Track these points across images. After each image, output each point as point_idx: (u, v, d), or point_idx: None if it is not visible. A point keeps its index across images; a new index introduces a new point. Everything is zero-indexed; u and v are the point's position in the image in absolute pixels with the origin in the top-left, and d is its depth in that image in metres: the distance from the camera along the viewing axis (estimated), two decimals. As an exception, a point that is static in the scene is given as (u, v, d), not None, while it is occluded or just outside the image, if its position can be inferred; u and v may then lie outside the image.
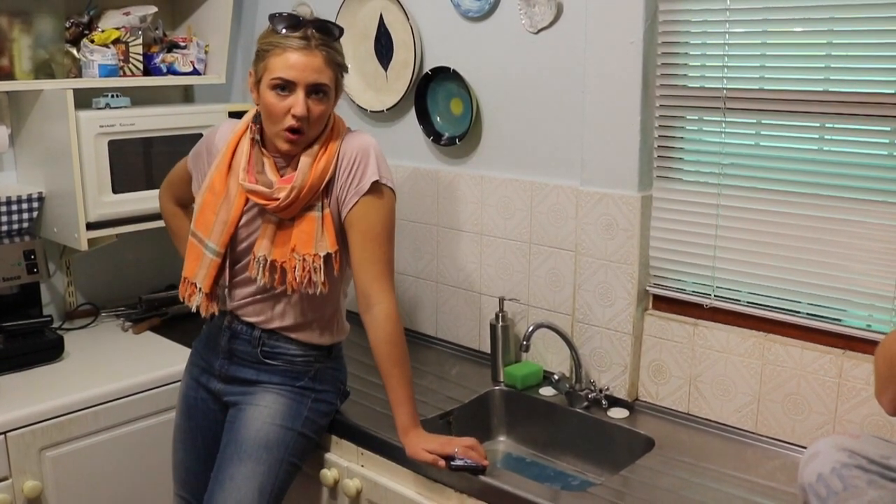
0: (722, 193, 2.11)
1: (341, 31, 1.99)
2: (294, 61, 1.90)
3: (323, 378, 2.12)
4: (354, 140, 2.02)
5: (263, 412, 2.04)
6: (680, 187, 2.18)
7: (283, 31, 1.92)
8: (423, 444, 1.96)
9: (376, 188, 1.98)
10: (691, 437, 2.14)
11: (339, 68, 1.98)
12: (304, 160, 1.97)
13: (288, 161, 2.01)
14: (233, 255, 2.06)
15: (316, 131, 1.98)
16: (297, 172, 1.96)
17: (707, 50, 2.10)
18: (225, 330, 2.11)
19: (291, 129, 1.93)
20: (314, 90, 1.92)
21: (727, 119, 2.07)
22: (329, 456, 2.22)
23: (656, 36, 2.14)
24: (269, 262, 1.98)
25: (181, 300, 2.13)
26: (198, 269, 2.06)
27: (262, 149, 2.02)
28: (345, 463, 2.18)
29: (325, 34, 1.94)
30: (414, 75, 2.62)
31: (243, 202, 2.02)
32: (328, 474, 2.19)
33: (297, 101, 1.90)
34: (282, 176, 1.99)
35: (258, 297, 2.06)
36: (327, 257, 1.98)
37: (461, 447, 1.95)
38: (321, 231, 1.97)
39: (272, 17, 1.96)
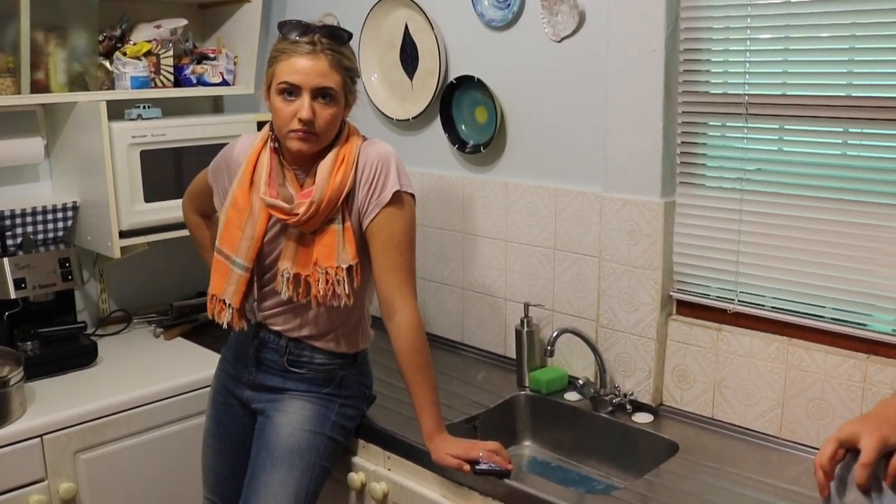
0: (745, 199, 2.11)
1: (350, 35, 2.00)
2: (299, 66, 1.91)
3: (348, 385, 2.14)
4: (372, 150, 2.03)
5: (293, 418, 2.07)
6: (703, 193, 2.19)
7: (292, 37, 1.94)
8: (447, 449, 1.98)
9: (397, 197, 2.00)
10: (715, 442, 2.14)
11: (347, 72, 1.98)
12: (322, 173, 1.97)
13: (307, 172, 2.02)
14: (259, 267, 2.08)
15: (327, 136, 1.98)
16: (315, 186, 1.97)
17: (729, 56, 2.11)
18: (253, 339, 2.13)
19: (298, 132, 1.95)
20: (320, 94, 1.93)
21: (749, 125, 2.08)
22: (356, 460, 2.25)
23: (678, 43, 2.16)
24: (293, 275, 2.00)
25: (210, 317, 2.13)
26: (226, 286, 2.07)
27: (283, 161, 2.04)
28: (371, 466, 2.21)
29: (331, 39, 1.95)
30: (439, 84, 2.65)
31: (267, 217, 2.03)
32: (355, 478, 2.22)
33: (303, 105, 1.91)
34: (302, 188, 2.01)
35: (285, 307, 2.08)
36: (349, 269, 2.00)
37: (485, 451, 1.97)
38: (342, 243, 1.98)
39: (281, 25, 1.98)
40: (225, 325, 2.10)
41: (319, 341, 2.11)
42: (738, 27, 2.07)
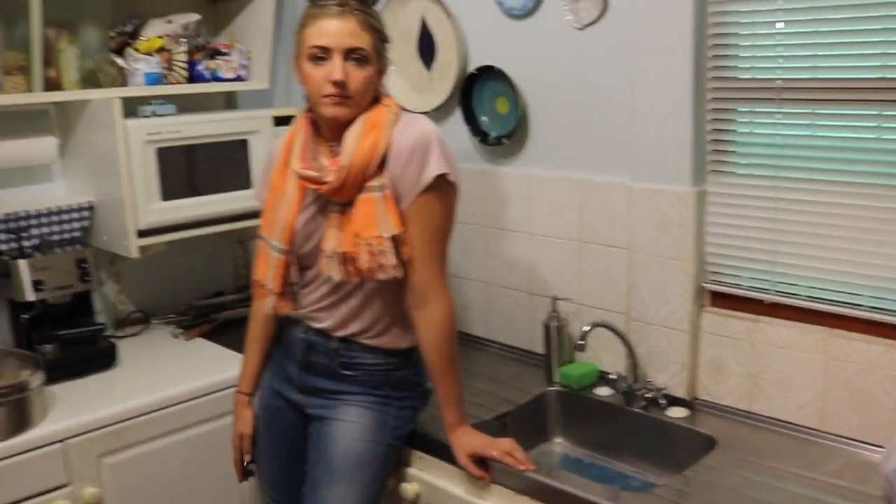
0: (779, 186, 2.07)
1: None
2: (329, 27, 1.86)
3: (402, 385, 2.07)
4: (412, 127, 1.92)
5: (351, 428, 2.00)
6: (735, 181, 2.15)
7: (320, 1, 1.90)
8: (466, 444, 1.97)
9: (439, 183, 1.90)
10: (753, 436, 2.10)
11: (377, 34, 1.92)
12: (350, 138, 1.90)
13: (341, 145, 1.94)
14: (302, 260, 2.02)
15: (361, 99, 1.91)
16: (342, 152, 1.90)
17: (759, 40, 2.06)
18: (301, 341, 2.07)
19: (332, 96, 1.89)
20: (351, 55, 1.87)
21: (782, 110, 2.03)
22: (385, 460, 2.21)
23: (706, 28, 2.11)
24: (338, 254, 1.92)
25: (252, 302, 2.12)
26: (266, 271, 2.03)
27: (317, 136, 1.98)
28: (402, 467, 2.17)
29: (359, 0, 1.90)
30: (458, 75, 2.60)
31: (300, 197, 1.98)
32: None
33: (335, 67, 1.86)
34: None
35: (330, 299, 2.01)
36: (394, 239, 1.89)
37: (500, 451, 1.94)
38: (383, 212, 1.89)
39: None
40: (268, 311, 2.06)
41: (369, 337, 2.02)
42: (768, 9, 2.02)
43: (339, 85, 1.86)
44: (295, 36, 1.94)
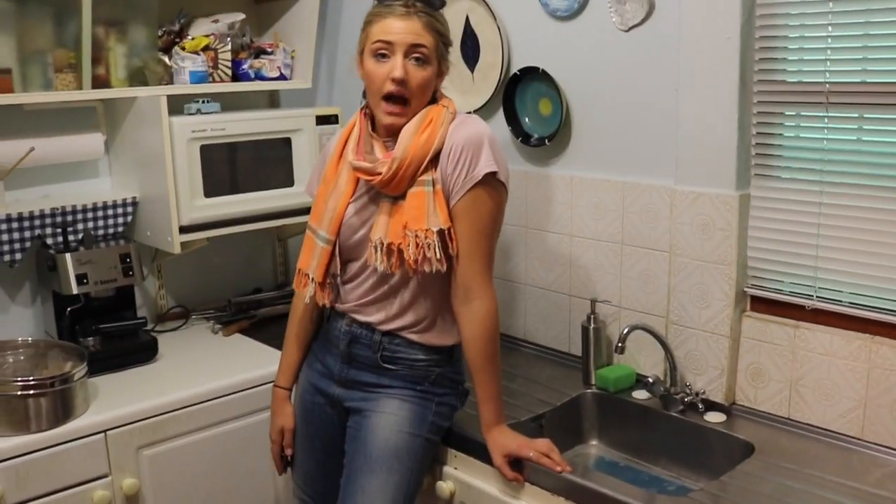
0: (824, 191, 2.04)
1: (442, 3, 1.99)
2: (393, 26, 1.90)
3: (442, 382, 2.07)
4: (467, 127, 1.95)
5: (390, 419, 2.01)
6: (780, 185, 2.12)
7: (387, 0, 1.94)
8: (502, 444, 1.97)
9: (488, 180, 1.92)
10: (792, 443, 2.07)
11: (440, 36, 1.95)
12: (406, 133, 1.93)
13: (396, 142, 1.97)
14: (347, 252, 2.04)
15: (419, 101, 1.95)
16: (397, 145, 1.93)
17: (807, 43, 2.04)
18: (345, 334, 2.08)
19: (391, 97, 1.92)
20: (413, 54, 1.91)
21: (830, 114, 2.01)
22: (421, 458, 2.22)
23: (754, 30, 2.09)
24: (385, 245, 1.93)
25: (295, 290, 2.15)
26: (311, 260, 2.06)
27: (373, 133, 2.01)
28: (438, 465, 2.17)
29: (425, 3, 1.94)
30: (501, 76, 2.61)
31: (352, 189, 2.01)
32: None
33: (396, 65, 1.89)
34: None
35: (375, 294, 2.03)
36: (441, 234, 1.91)
37: (535, 453, 1.94)
38: (433, 206, 1.91)
39: None
40: (307, 299, 2.08)
41: (415, 332, 2.03)
42: (817, 12, 2.00)
43: (399, 82, 1.90)
44: (361, 32, 1.98)
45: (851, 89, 1.97)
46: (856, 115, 1.99)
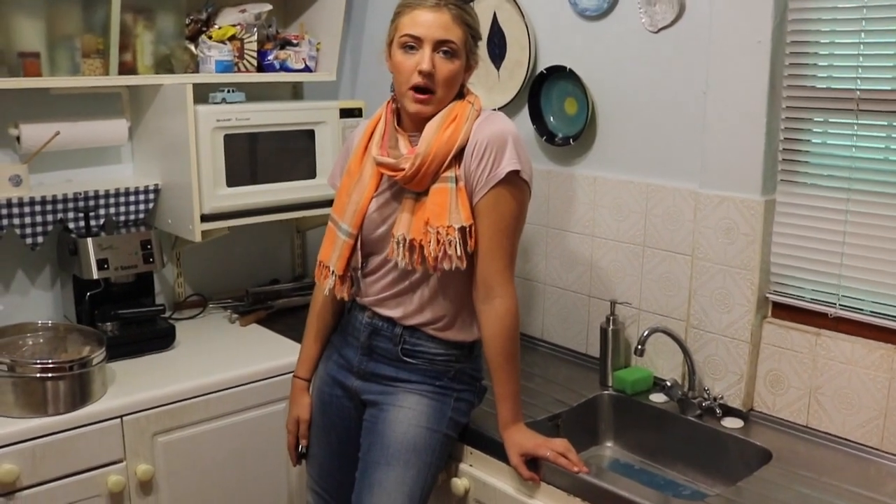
0: (851, 199, 2.03)
1: None
2: (422, 19, 1.90)
3: (461, 378, 2.07)
4: (491, 124, 1.95)
5: (408, 414, 2.01)
6: (806, 192, 2.11)
7: None
8: (519, 442, 1.97)
9: (511, 178, 1.91)
10: (810, 451, 2.06)
11: (469, 30, 1.95)
12: (429, 128, 1.93)
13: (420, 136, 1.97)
14: (369, 246, 2.04)
15: (445, 94, 1.94)
16: (420, 141, 1.93)
17: (839, 49, 2.03)
18: (365, 326, 2.07)
19: (417, 88, 1.91)
20: (441, 47, 1.90)
21: (860, 121, 2.00)
22: (436, 454, 2.21)
23: (785, 35, 2.08)
24: (407, 241, 1.93)
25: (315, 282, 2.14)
26: (332, 252, 2.05)
27: (398, 127, 2.01)
28: (453, 462, 2.17)
29: None
30: (528, 74, 2.60)
31: (376, 183, 2.01)
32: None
33: (424, 57, 1.89)
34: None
35: (395, 289, 2.03)
36: (462, 231, 1.91)
37: (552, 453, 1.94)
38: (455, 203, 1.91)
39: None
40: (326, 291, 2.07)
41: (435, 328, 2.03)
42: (849, 18, 1.98)
43: (426, 75, 1.89)
44: (391, 23, 1.97)
45: (883, 97, 1.95)
46: (885, 124, 1.97)
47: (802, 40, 2.07)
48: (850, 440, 2.06)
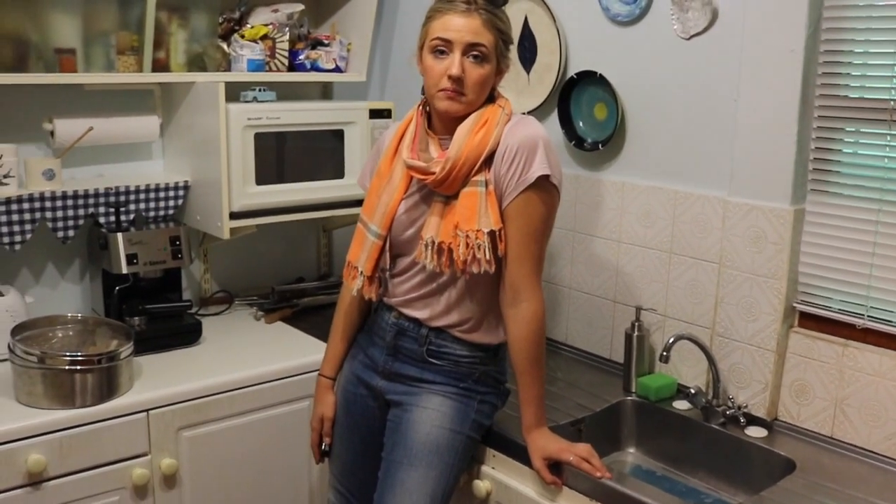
0: (882, 210, 2.02)
1: (505, 0, 1.97)
2: (453, 23, 1.90)
3: (485, 381, 2.08)
4: (522, 128, 1.95)
5: (432, 415, 2.02)
6: (836, 202, 2.10)
7: None
8: (542, 446, 1.97)
9: (541, 183, 1.91)
10: (835, 462, 2.05)
11: (500, 34, 1.94)
12: (460, 132, 1.93)
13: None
14: (398, 247, 2.05)
15: (475, 97, 1.94)
16: (451, 144, 1.93)
17: (873, 59, 2.02)
18: (392, 326, 2.09)
19: (447, 91, 1.92)
20: (471, 52, 1.90)
21: (892, 132, 1.98)
22: (458, 455, 2.22)
23: (818, 44, 2.07)
24: (436, 244, 1.93)
25: (343, 282, 2.15)
26: (361, 253, 2.06)
27: (429, 130, 2.02)
28: (475, 464, 2.17)
29: (487, 0, 1.93)
30: (558, 79, 2.60)
31: (406, 185, 2.02)
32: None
33: (453, 62, 1.89)
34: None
35: (422, 291, 2.04)
36: (491, 235, 1.91)
37: (576, 457, 1.94)
38: (485, 207, 1.91)
39: None
40: (354, 291, 2.08)
41: (462, 330, 2.04)
42: (884, 28, 1.97)
43: (456, 80, 1.90)
44: (422, 27, 1.98)
45: (917, 108, 1.95)
46: (918, 135, 1.97)
47: (836, 49, 2.06)
48: (875, 452, 2.05)
